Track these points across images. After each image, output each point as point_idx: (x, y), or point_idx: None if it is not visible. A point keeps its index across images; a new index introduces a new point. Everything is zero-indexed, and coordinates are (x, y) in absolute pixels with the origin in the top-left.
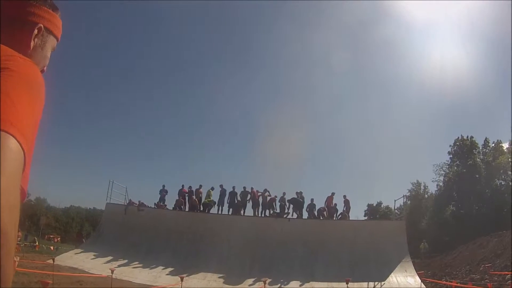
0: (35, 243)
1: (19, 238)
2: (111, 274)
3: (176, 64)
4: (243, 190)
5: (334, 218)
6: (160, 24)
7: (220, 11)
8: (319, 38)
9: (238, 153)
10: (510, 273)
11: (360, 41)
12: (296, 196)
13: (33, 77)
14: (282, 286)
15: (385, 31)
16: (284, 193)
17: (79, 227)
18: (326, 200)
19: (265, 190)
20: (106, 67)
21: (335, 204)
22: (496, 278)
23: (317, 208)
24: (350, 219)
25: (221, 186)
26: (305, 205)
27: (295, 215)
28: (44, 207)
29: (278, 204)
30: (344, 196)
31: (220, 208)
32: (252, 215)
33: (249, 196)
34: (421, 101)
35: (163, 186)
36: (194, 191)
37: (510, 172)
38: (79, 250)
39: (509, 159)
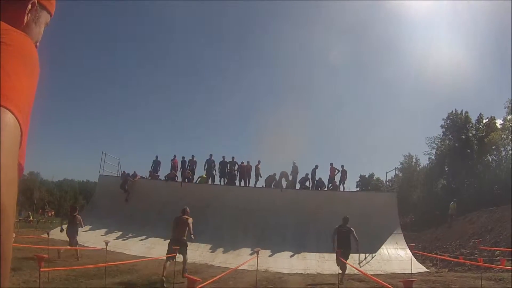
0: (30, 218)
1: None
2: (105, 247)
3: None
4: (230, 160)
5: (326, 189)
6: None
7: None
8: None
9: (234, 124)
10: (499, 249)
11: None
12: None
13: (28, 51)
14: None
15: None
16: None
17: (73, 200)
18: (330, 172)
19: (259, 162)
20: (102, 42)
21: (320, 178)
22: (485, 254)
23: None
24: (343, 190)
25: (210, 155)
26: (299, 177)
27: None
28: (38, 181)
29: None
30: (342, 166)
31: (210, 179)
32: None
33: (236, 166)
34: (417, 75)
35: (156, 157)
36: (187, 161)
37: (502, 149)
38: None
39: (502, 136)
